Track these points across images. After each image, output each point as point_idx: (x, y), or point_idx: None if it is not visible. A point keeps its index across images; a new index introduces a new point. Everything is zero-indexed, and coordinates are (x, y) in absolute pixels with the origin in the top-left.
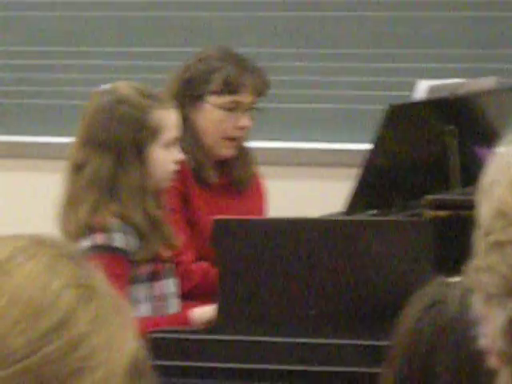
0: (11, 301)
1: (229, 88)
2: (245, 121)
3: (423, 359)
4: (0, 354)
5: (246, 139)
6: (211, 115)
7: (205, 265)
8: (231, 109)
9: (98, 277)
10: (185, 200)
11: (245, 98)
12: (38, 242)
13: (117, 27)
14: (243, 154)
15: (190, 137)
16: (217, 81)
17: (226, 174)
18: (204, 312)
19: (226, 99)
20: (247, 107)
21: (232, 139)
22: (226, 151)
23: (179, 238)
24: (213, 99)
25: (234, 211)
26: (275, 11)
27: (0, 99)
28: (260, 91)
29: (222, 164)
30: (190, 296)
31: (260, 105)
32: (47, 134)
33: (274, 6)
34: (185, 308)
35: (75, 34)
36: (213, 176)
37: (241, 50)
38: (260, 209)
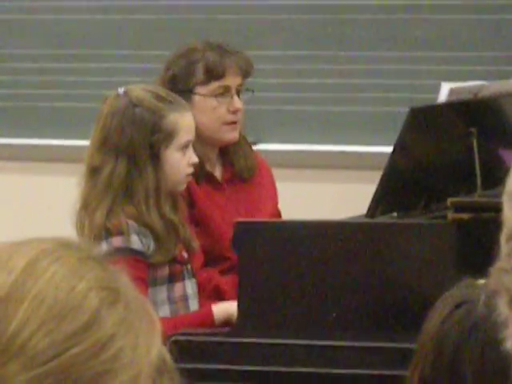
0: (37, 303)
1: (213, 74)
2: (237, 103)
3: (449, 360)
4: (26, 356)
5: (242, 123)
6: (203, 106)
7: (210, 272)
8: (221, 94)
9: (123, 279)
10: (190, 201)
11: (231, 80)
12: (63, 245)
13: (132, 30)
14: (241, 144)
15: None
16: (200, 71)
17: (227, 168)
18: (226, 308)
19: (212, 86)
20: (236, 90)
21: (231, 123)
22: (230, 135)
23: (197, 241)
24: (201, 90)
25: (245, 204)
26: (296, 14)
27: (14, 102)
28: (245, 72)
29: (224, 161)
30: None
31: (284, 108)
32: (62, 136)
33: (295, 8)
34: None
35: (90, 36)
36: (216, 170)
37: (260, 53)
38: (270, 195)
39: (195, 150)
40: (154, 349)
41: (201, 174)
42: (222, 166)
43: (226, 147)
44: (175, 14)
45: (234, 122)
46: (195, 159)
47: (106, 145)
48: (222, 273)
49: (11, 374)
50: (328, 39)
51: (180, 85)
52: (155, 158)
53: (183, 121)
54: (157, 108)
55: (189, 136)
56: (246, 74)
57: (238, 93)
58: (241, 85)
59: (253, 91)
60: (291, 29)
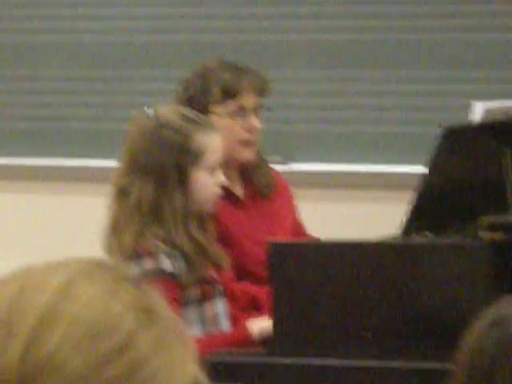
0: (72, 324)
1: (228, 94)
2: (253, 122)
3: (484, 375)
4: (62, 376)
5: (259, 141)
6: (219, 125)
7: (245, 284)
8: (236, 113)
9: (158, 300)
10: (215, 220)
11: (247, 100)
12: (98, 266)
13: (160, 51)
14: (258, 160)
15: None
16: (216, 91)
17: (248, 186)
18: (261, 325)
19: (229, 106)
20: (252, 108)
21: (247, 142)
22: (246, 155)
23: (227, 259)
24: (217, 109)
25: (266, 220)
26: (326, 34)
27: (41, 123)
28: (261, 90)
29: (242, 176)
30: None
31: (313, 127)
32: (90, 156)
33: (325, 28)
34: (238, 323)
35: (117, 57)
36: (238, 188)
37: (290, 73)
38: (290, 209)
39: None
40: (189, 369)
41: (222, 192)
42: (243, 184)
43: (246, 167)
44: (203, 34)
45: (251, 142)
46: (223, 179)
47: (134, 166)
48: None
49: None
50: (356, 59)
51: (196, 105)
52: (183, 179)
53: (210, 141)
54: (184, 129)
55: (216, 156)
56: (261, 92)
57: (256, 111)
58: (258, 103)
59: (271, 110)
60: (319, 49)
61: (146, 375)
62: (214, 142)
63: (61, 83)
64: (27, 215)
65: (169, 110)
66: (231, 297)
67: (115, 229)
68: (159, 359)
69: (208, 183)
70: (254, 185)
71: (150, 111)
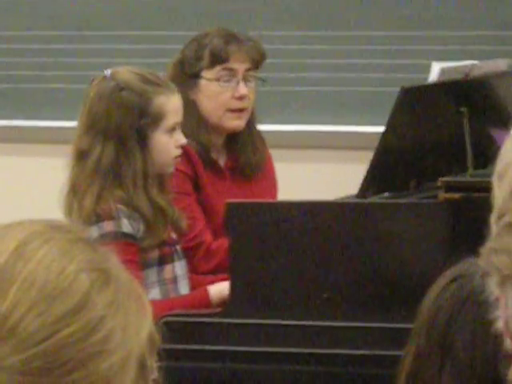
0: (27, 285)
1: (217, 58)
2: (242, 89)
3: (441, 332)
4: (17, 338)
5: (251, 111)
6: (208, 90)
7: (225, 242)
8: (226, 79)
9: (114, 261)
10: (195, 185)
11: (236, 65)
12: (53, 227)
13: (121, 11)
14: (251, 139)
15: (193, 119)
16: (206, 55)
17: (234, 159)
18: (221, 289)
19: (217, 70)
20: (242, 75)
21: (236, 110)
22: (234, 123)
23: (186, 221)
24: (206, 74)
25: (245, 192)
26: None
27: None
28: (252, 58)
29: (230, 149)
30: (215, 272)
31: (277, 88)
32: (50, 118)
33: None
34: (200, 283)
35: (79, 18)
36: (220, 157)
37: (252, 34)
38: (270, 194)
39: (201, 135)
40: (144, 330)
41: (206, 160)
42: (227, 155)
43: (234, 136)
44: None
45: (240, 110)
46: (183, 141)
47: (94, 128)
48: None
49: (2, 356)
50: (319, 19)
51: (188, 68)
52: (143, 141)
53: (170, 103)
54: (143, 91)
55: (176, 118)
56: (253, 61)
57: (246, 79)
58: (247, 71)
59: (263, 80)
60: (284, 10)
61: (101, 336)
62: (174, 103)
63: (17, 44)
64: None
65: (128, 71)
66: (210, 256)
67: (75, 191)
68: (114, 321)
69: (168, 145)
70: (239, 158)
71: (109, 72)
